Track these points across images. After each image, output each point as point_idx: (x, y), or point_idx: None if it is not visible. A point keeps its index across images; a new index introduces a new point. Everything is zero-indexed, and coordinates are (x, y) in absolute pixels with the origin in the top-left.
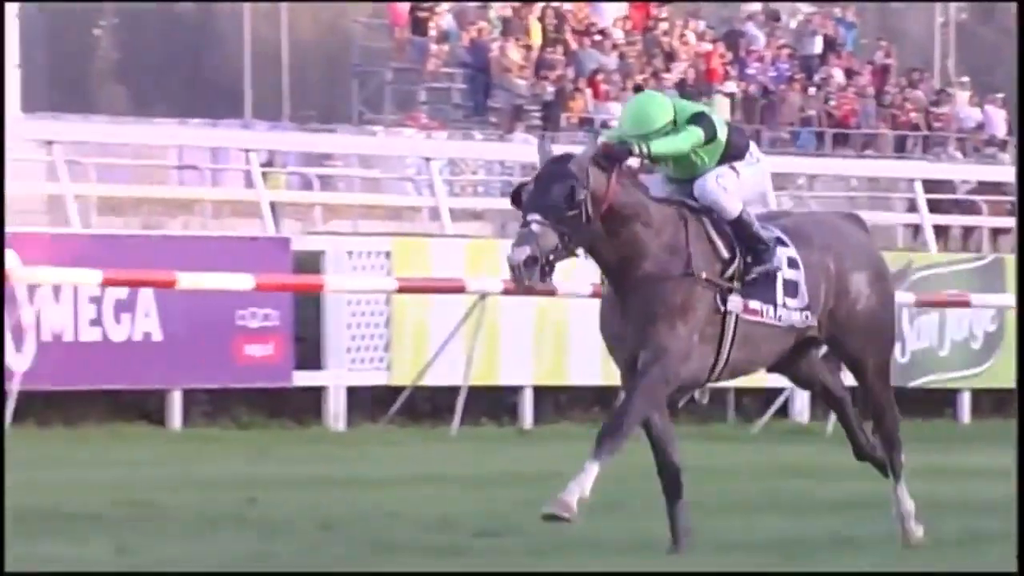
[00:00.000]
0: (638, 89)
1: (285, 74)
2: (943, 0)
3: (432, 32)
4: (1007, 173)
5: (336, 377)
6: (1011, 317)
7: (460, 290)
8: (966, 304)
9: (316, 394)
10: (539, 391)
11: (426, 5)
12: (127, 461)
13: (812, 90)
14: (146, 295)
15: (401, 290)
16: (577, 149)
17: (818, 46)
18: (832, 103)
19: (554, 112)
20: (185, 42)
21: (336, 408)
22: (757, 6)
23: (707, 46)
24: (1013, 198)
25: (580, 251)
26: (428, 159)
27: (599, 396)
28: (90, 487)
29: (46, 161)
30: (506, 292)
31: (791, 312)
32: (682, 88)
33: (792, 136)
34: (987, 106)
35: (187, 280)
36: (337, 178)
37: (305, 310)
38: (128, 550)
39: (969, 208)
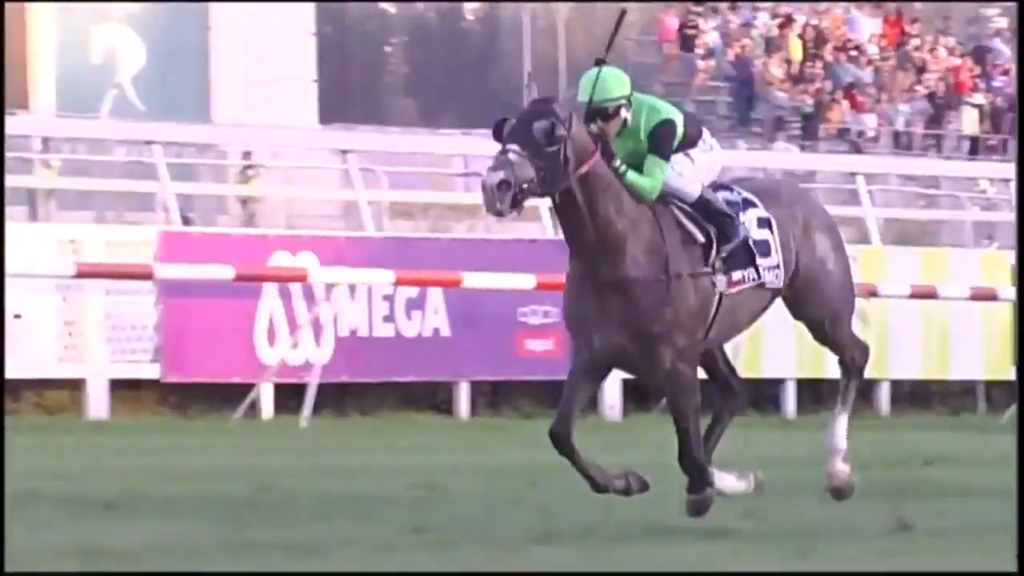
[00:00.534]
0: (599, 62)
1: (562, 87)
2: None
3: (699, 49)
4: None
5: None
6: None
7: None
8: None
9: None
10: (801, 384)
11: (693, 23)
12: (419, 447)
13: None
14: (435, 293)
15: None
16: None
17: None
18: None
19: (813, 123)
20: (469, 58)
21: (611, 399)
22: (1003, 22)
23: (956, 60)
24: None
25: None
26: None
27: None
28: (386, 472)
29: (341, 169)
30: None
31: (765, 271)
32: (931, 99)
33: None
34: None
35: (472, 280)
36: None
37: None
38: (423, 528)
39: None
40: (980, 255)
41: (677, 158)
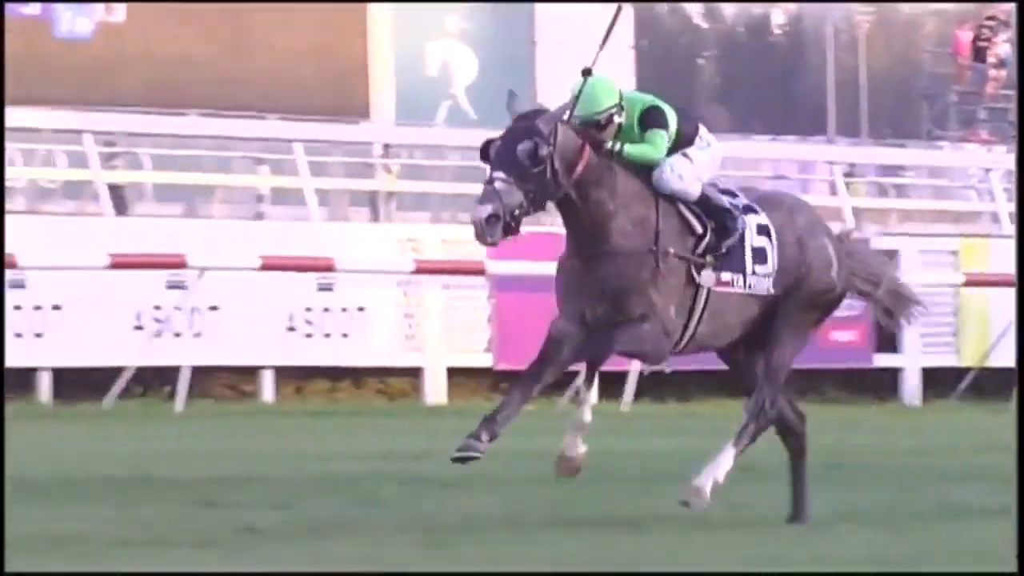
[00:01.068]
0: (586, 73)
1: (863, 97)
2: None
3: (991, 59)
4: None
5: (912, 359)
6: None
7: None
8: None
9: (893, 374)
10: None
11: (986, 36)
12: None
13: None
14: None
15: (967, 284)
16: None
17: None
18: None
19: None
20: (777, 69)
21: (911, 386)
22: None
23: None
24: None
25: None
26: (988, 170)
27: None
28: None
29: None
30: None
31: (760, 279)
32: None
33: None
34: None
35: None
36: (909, 187)
37: None
38: (737, 505)
39: None
40: None
41: (675, 159)
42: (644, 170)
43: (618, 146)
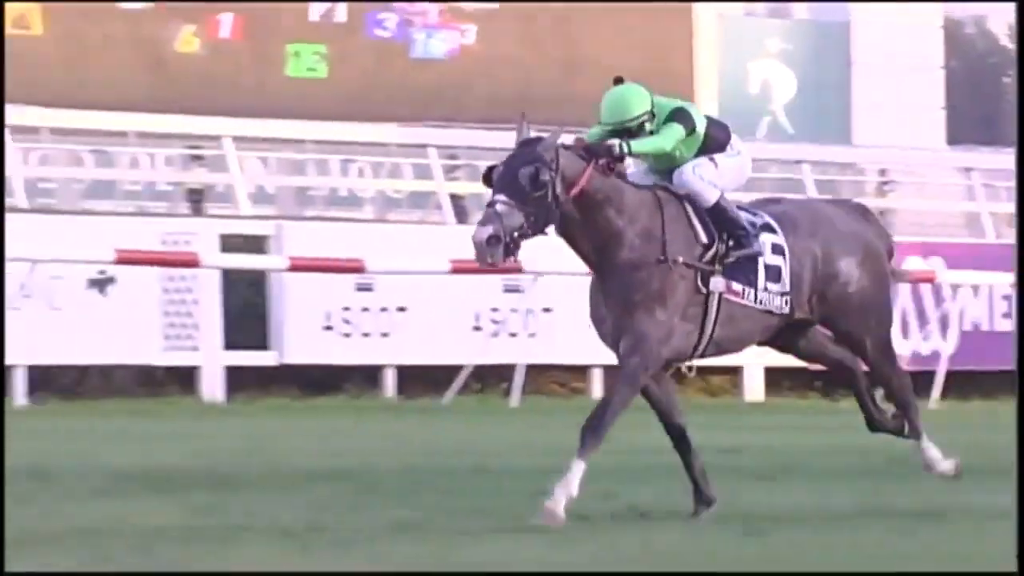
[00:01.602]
0: (618, 81)
1: None
2: None
3: None
4: None
5: None
6: None
7: None
8: None
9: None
10: None
11: None
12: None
13: None
14: None
15: None
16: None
17: None
18: None
19: None
20: None
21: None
22: None
23: None
24: None
25: (550, 230)
26: None
27: None
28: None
29: (965, 185)
30: None
31: (772, 296)
32: None
33: None
34: None
35: None
36: None
37: None
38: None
39: None
40: None
41: (700, 161)
42: (656, 177)
43: (626, 147)
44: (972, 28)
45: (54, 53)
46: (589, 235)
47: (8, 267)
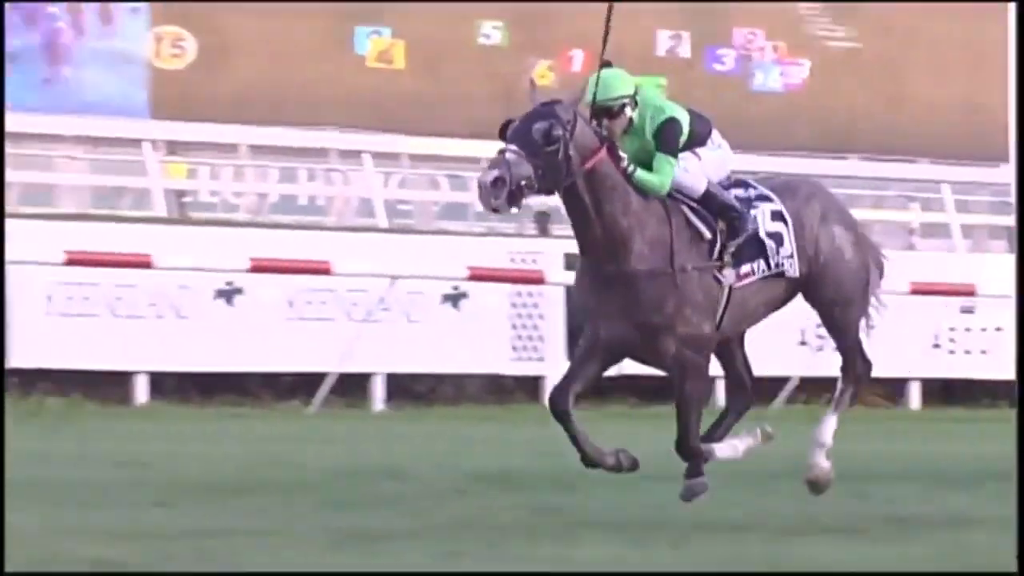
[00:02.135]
0: (606, 64)
1: None
2: None
3: None
4: None
5: None
6: None
7: None
8: None
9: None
10: None
11: None
12: None
13: None
14: None
15: None
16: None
17: None
18: None
19: None
20: None
21: None
22: None
23: None
24: None
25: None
26: None
27: None
28: None
29: None
30: None
31: (780, 260)
32: None
33: None
34: None
35: None
36: None
37: None
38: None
39: None
40: None
41: (684, 155)
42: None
43: (632, 168)
44: None
45: (413, 85)
46: (600, 223)
47: (368, 282)
